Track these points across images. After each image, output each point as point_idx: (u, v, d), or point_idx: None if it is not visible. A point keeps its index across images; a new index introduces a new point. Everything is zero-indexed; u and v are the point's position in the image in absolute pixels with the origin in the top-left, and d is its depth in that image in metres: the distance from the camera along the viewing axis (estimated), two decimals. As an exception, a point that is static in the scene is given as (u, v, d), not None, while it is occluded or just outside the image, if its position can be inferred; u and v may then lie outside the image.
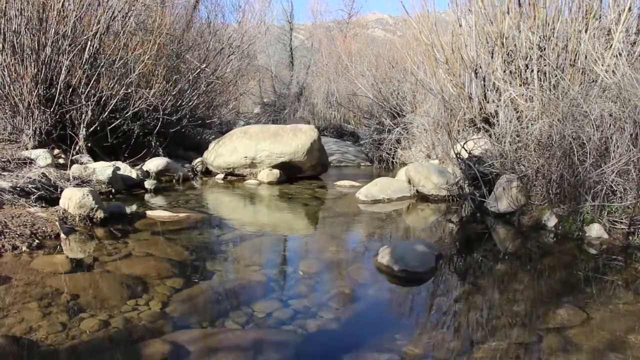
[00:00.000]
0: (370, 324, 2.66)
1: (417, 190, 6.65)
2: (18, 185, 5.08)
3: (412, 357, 2.23)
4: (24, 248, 3.62)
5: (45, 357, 2.13)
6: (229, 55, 9.21)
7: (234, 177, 8.01)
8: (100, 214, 4.53)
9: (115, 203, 5.07)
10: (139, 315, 2.55)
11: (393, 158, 10.72)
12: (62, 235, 4.03)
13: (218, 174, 8.04)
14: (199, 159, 8.36)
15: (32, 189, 5.07)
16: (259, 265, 3.54)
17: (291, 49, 19.08)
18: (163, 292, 2.87)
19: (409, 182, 6.78)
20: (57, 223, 4.17)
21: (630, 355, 2.28)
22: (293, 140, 7.62)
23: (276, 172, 7.64)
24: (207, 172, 8.31)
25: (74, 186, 5.24)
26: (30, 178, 5.39)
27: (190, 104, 8.39)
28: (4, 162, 5.86)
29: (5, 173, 5.43)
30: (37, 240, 3.79)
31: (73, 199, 4.47)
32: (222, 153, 7.84)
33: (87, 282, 3.06)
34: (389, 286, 3.21)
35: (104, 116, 7.28)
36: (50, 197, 5.18)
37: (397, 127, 10.04)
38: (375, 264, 3.49)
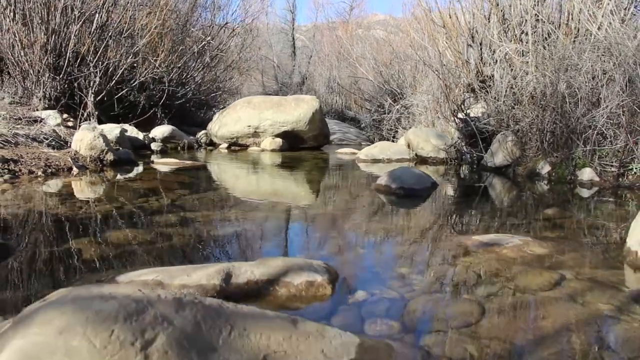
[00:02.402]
0: (367, 213, 2.83)
1: (416, 154, 6.81)
2: (30, 135, 5.27)
3: (408, 228, 2.39)
4: (40, 173, 3.81)
5: (62, 222, 2.31)
6: (232, 30, 9.44)
7: (237, 147, 8.18)
8: (110, 156, 4.71)
9: (124, 150, 5.24)
10: (150, 205, 2.72)
11: (394, 137, 10.88)
12: (75, 170, 4.20)
13: (222, 144, 8.22)
14: (203, 132, 8.54)
15: (43, 139, 5.26)
16: (263, 186, 3.71)
17: (293, 38, 19.34)
18: (171, 196, 3.05)
19: (408, 145, 6.95)
20: (69, 159, 4.35)
21: (607, 234, 2.44)
22: (295, 110, 7.80)
23: (279, 140, 7.81)
24: (211, 144, 8.49)
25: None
26: (42, 132, 5.59)
27: (195, 76, 8.58)
28: (15, 119, 6.06)
29: (18, 126, 5.63)
30: (50, 169, 3.98)
31: (84, 141, 4.65)
32: (226, 123, 8.03)
33: (100, 191, 3.24)
34: (387, 197, 3.38)
35: (111, 85, 7.48)
36: (60, 149, 5.37)
37: (397, 105, 10.21)
38: (375, 187, 3.66)
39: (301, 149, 8.19)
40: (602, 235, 2.35)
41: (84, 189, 3.24)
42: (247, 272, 1.41)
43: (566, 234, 2.35)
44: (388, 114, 11.03)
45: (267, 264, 1.46)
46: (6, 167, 3.74)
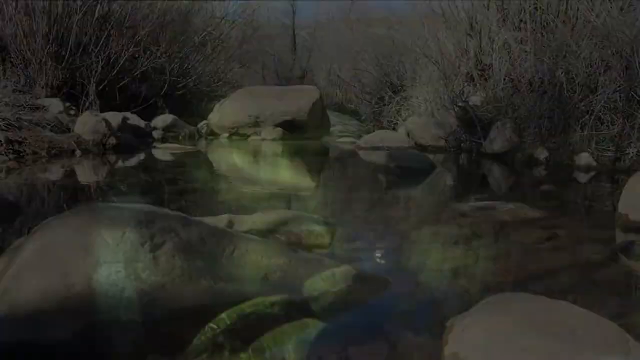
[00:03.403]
0: (367, 186, 2.88)
1: (415, 142, 6.85)
2: (33, 121, 5.33)
3: (405, 198, 2.45)
4: (43, 154, 3.86)
5: (68, 190, 2.36)
6: (233, 22, 9.49)
7: (238, 137, 8.22)
8: (112, 141, 4.75)
9: (127, 134, 5.29)
10: (154, 178, 2.78)
11: (393, 129, 10.91)
12: (78, 152, 4.25)
13: (222, 134, 8.26)
14: (204, 122, 8.58)
15: (46, 124, 5.31)
16: (263, 168, 3.77)
17: (294, 32, 19.38)
18: (174, 172, 3.11)
19: (408, 134, 7.00)
20: (72, 142, 4.40)
21: (600, 206, 2.50)
22: (296, 100, 7.84)
23: (279, 130, 7.84)
24: (212, 134, 8.51)
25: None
26: (45, 118, 5.65)
27: (197, 67, 8.63)
28: (18, 107, 6.11)
29: (21, 112, 5.68)
30: (54, 151, 4.03)
31: (88, 124, 4.69)
32: (226, 113, 8.06)
33: (104, 168, 3.29)
34: (386, 176, 3.43)
35: (113, 74, 7.52)
36: (63, 134, 5.42)
37: (397, 97, 10.26)
38: (375, 167, 3.71)
39: (302, 138, 8.22)
40: (596, 206, 2.41)
41: (87, 167, 3.30)
42: (248, 221, 1.46)
43: (561, 204, 2.41)
44: (388, 105, 11.07)
45: (268, 215, 1.52)
46: (11, 147, 3.80)
